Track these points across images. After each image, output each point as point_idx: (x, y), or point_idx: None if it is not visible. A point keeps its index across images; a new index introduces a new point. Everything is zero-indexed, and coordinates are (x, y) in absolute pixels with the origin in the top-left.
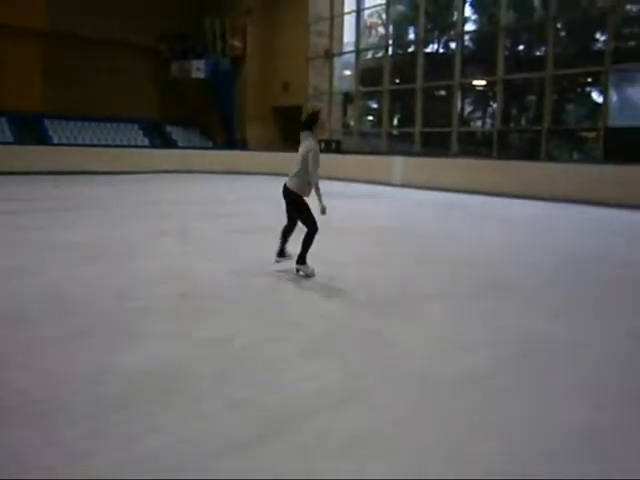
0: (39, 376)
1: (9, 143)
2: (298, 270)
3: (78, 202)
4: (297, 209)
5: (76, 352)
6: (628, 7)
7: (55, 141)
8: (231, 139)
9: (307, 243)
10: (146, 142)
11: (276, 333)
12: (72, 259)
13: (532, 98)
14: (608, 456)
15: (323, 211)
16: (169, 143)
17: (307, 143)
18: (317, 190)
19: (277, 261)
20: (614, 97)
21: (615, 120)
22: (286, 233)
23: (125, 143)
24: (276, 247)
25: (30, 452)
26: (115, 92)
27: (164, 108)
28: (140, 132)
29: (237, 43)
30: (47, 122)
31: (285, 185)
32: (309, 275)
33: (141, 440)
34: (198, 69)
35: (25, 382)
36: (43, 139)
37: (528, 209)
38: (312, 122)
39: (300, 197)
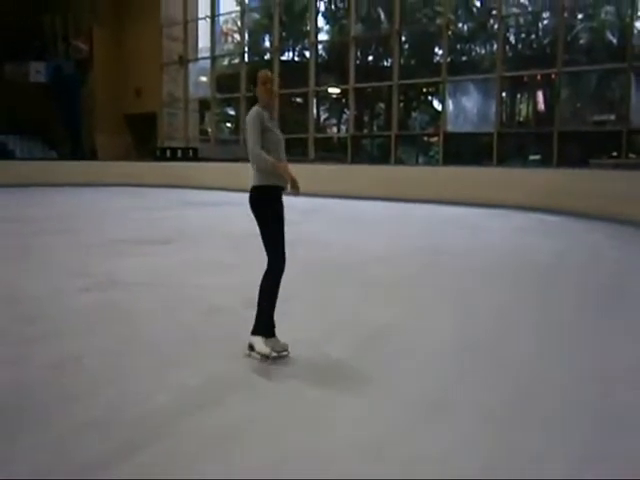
0: None
1: None
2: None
3: None
4: (258, 222)
5: None
6: (460, 25)
7: None
8: (78, 149)
9: (266, 292)
10: None
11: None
12: None
13: (382, 106)
14: None
15: (294, 185)
16: (5, 154)
17: (247, 116)
18: (267, 166)
19: (280, 351)
20: (450, 105)
21: (451, 126)
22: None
23: None
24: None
25: None
26: None
27: None
28: None
29: (82, 45)
30: None
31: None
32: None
33: None
34: (38, 72)
35: None
36: None
37: (380, 210)
38: (254, 89)
39: (260, 200)
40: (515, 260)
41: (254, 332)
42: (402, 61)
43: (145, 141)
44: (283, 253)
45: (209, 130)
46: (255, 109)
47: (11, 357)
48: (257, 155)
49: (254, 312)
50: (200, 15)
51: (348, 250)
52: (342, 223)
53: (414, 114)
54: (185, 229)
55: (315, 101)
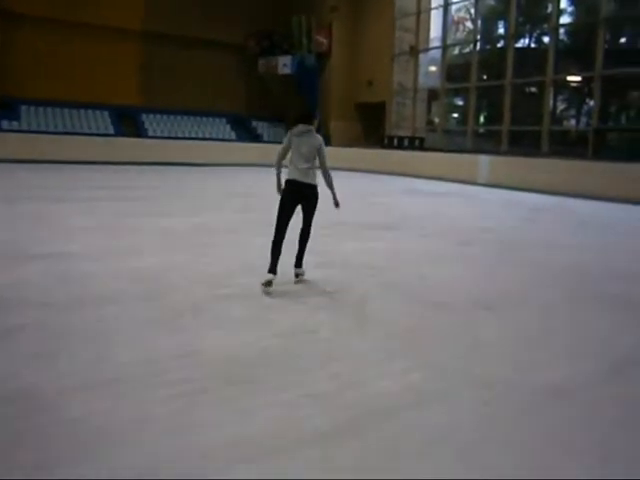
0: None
1: (110, 135)
2: (297, 275)
3: (167, 191)
4: (314, 204)
5: (170, 333)
6: None
7: (150, 134)
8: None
9: (307, 243)
10: (233, 136)
11: (359, 328)
12: (164, 245)
13: (635, 94)
14: None
15: (337, 204)
16: (255, 137)
17: (318, 137)
18: (332, 184)
19: (269, 281)
20: None
21: None
22: (281, 244)
23: (213, 136)
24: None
25: (125, 424)
26: (205, 87)
27: (251, 103)
28: (227, 126)
29: (322, 39)
30: (144, 116)
31: (297, 181)
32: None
33: (227, 423)
34: (284, 65)
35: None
36: (139, 132)
37: (621, 214)
38: (310, 119)
39: (317, 191)
40: None
41: (298, 265)
42: None
43: (374, 129)
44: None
45: (436, 120)
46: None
47: (250, 320)
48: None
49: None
50: (433, 5)
51: (585, 258)
52: (576, 227)
53: None
54: (407, 216)
55: (552, 91)
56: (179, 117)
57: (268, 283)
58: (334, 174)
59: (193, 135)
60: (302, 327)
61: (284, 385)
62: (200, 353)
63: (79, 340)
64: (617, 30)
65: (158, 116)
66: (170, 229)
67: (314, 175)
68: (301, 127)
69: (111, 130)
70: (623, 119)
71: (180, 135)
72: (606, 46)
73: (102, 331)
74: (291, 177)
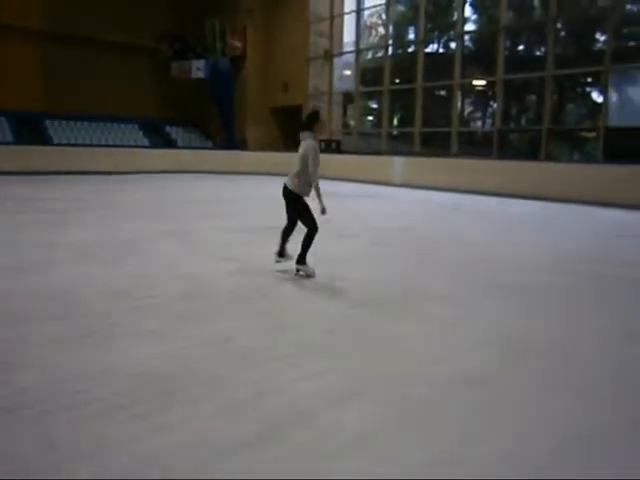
0: (39, 376)
1: (9, 143)
2: (298, 270)
3: (75, 203)
4: (296, 210)
5: (76, 352)
6: (628, 7)
7: (55, 141)
8: (231, 139)
9: (307, 243)
10: (146, 142)
11: (275, 333)
12: (71, 258)
13: (532, 98)
14: None
15: (323, 211)
16: (169, 143)
17: (307, 143)
18: (317, 190)
19: (277, 261)
20: (614, 97)
21: (615, 120)
22: (286, 233)
23: (125, 143)
24: (276, 247)
25: (30, 452)
26: (115, 92)
27: (164, 108)
28: (140, 132)
29: (237, 43)
30: (48, 122)
31: (285, 185)
32: (310, 275)
33: (141, 440)
34: (198, 69)
35: (25, 382)
36: (43, 139)
37: (527, 209)
38: (313, 122)
39: (300, 197)
40: None
41: (298, 262)
42: (557, 50)
43: (291, 133)
44: (315, 222)
45: (351, 123)
46: (315, 142)
47: (165, 332)
48: (318, 176)
49: None
50: (346, 10)
51: (489, 251)
52: (484, 221)
53: (569, 106)
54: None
55: (460, 94)
56: (87, 123)
57: (277, 261)
58: (250, 179)
59: (103, 142)
60: (218, 336)
61: (202, 396)
62: (111, 370)
63: None
64: (516, 38)
65: (64, 122)
66: (80, 242)
67: (298, 181)
68: (302, 134)
69: (10, 138)
70: (523, 121)
71: (88, 142)
72: (506, 53)
73: (2, 354)
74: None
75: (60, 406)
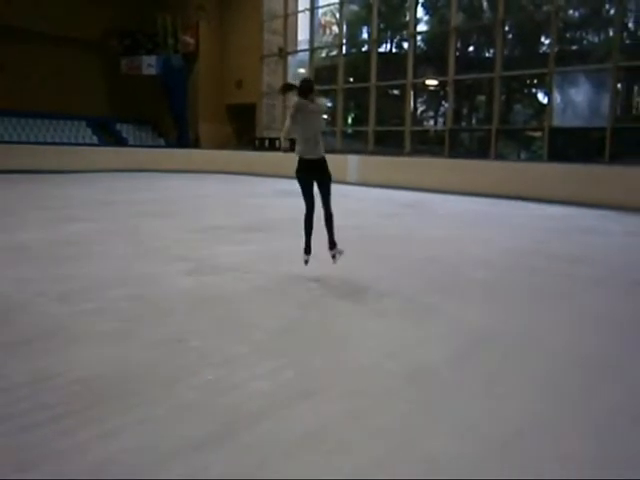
0: None
1: None
2: (334, 256)
3: (20, 202)
4: (329, 179)
5: (22, 358)
6: (570, 12)
7: None
8: (184, 137)
9: (332, 223)
10: (95, 140)
11: (229, 333)
12: (12, 261)
13: (482, 98)
14: None
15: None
16: (119, 141)
17: (320, 101)
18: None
19: (306, 261)
20: (558, 98)
21: (558, 120)
22: (310, 222)
23: (73, 141)
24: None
25: None
26: (61, 88)
27: (114, 105)
28: (89, 130)
29: (189, 39)
30: None
31: (311, 159)
32: (341, 252)
33: (90, 448)
34: (149, 65)
35: None
36: None
37: (476, 206)
38: (312, 91)
39: (327, 162)
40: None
41: (333, 247)
42: (505, 52)
43: (245, 131)
44: (307, 202)
45: None
46: (298, 99)
47: (116, 334)
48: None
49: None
50: (300, 8)
51: (442, 248)
52: (438, 219)
53: (516, 107)
54: (278, 217)
55: (413, 93)
56: (30, 120)
57: (305, 262)
58: (202, 177)
59: (49, 140)
60: (171, 337)
61: (156, 398)
62: (61, 375)
63: None
64: (466, 39)
65: (6, 119)
66: (22, 244)
67: (322, 147)
68: (304, 100)
69: None
70: (474, 120)
71: (33, 140)
72: (457, 53)
73: None
74: (301, 153)
75: (3, 415)
